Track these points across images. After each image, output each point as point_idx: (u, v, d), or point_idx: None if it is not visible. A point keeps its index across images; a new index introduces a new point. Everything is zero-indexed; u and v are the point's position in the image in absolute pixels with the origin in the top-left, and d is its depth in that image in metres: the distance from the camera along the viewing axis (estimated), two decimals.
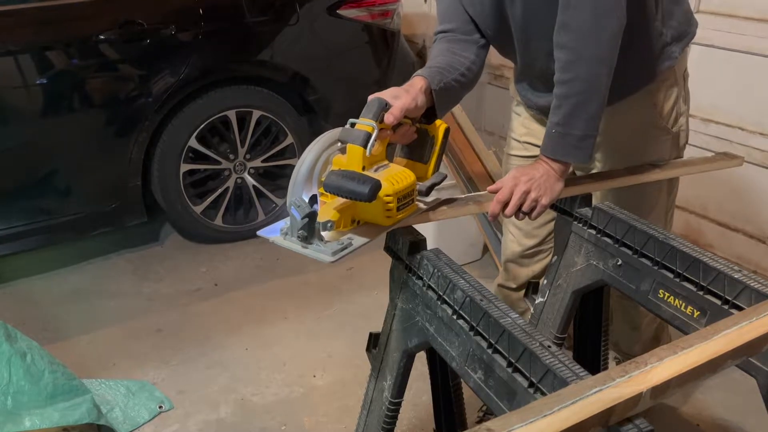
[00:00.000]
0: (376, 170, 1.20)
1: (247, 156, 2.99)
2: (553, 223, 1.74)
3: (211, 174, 2.97)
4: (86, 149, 2.63)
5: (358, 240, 1.17)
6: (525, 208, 1.32)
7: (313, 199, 1.18)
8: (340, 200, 1.16)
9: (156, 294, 2.71)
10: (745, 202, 2.75)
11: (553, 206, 1.47)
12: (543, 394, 0.91)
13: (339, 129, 1.21)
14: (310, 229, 1.12)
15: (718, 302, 1.14)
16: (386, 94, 1.23)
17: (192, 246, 3.07)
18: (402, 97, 1.24)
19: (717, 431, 2.00)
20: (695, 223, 2.95)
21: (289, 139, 3.03)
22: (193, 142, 2.82)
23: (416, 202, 1.27)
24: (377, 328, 1.39)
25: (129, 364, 2.28)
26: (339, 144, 1.21)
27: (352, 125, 1.19)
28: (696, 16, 2.65)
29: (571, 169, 1.44)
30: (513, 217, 1.35)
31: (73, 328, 2.47)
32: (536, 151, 1.67)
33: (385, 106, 1.19)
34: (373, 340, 1.43)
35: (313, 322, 2.53)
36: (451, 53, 1.45)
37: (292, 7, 2.87)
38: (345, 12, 3.01)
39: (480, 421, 1.90)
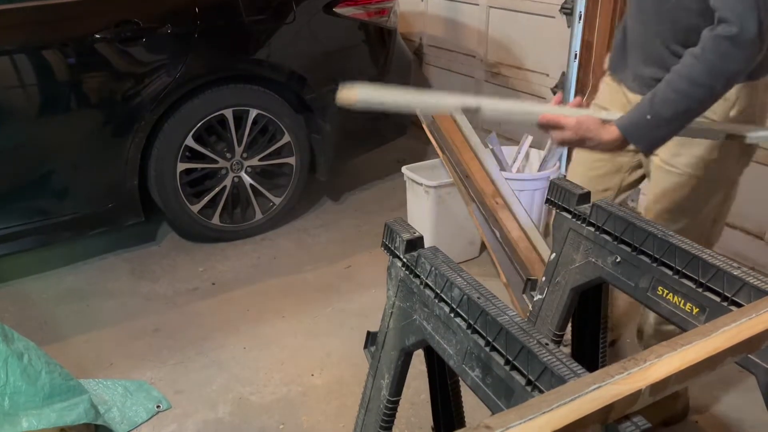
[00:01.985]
0: None
1: (244, 155, 2.98)
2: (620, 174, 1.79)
3: (208, 173, 2.97)
4: (82, 149, 2.62)
5: None
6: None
7: None
8: None
9: (153, 294, 2.71)
10: (743, 199, 2.73)
11: (550, 202, 1.47)
12: (541, 391, 0.91)
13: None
14: None
15: (718, 299, 1.14)
16: None
17: (189, 245, 3.06)
18: None
19: (716, 428, 2.00)
20: None
21: (286, 138, 3.02)
22: (189, 141, 2.81)
23: None
24: (375, 326, 1.39)
25: (126, 364, 2.28)
26: None
27: None
28: None
29: None
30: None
31: (70, 329, 2.47)
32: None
33: None
34: (371, 339, 1.43)
35: (310, 321, 2.52)
36: None
37: (288, 6, 2.87)
38: (342, 10, 3.00)
39: None
